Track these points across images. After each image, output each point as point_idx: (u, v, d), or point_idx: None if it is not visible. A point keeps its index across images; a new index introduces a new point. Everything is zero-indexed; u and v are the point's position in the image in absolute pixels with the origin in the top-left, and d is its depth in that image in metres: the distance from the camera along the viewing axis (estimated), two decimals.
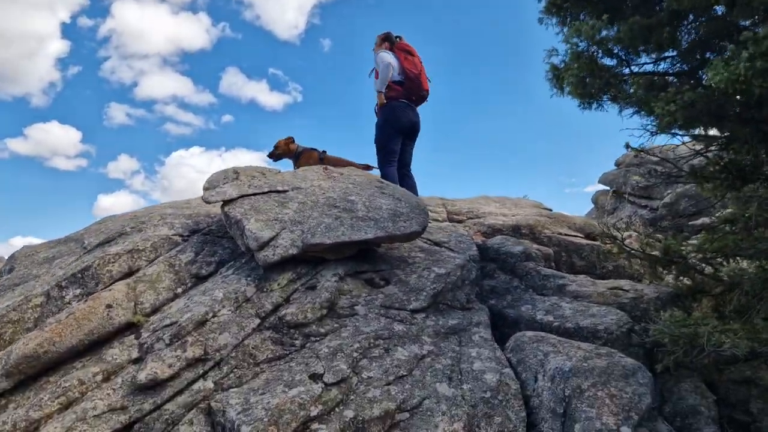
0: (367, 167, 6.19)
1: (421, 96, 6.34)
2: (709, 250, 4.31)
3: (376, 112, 6.26)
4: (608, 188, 12.27)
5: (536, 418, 3.03)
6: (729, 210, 4.08)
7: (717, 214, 6.54)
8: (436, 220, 7.10)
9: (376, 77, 6.05)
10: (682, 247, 4.53)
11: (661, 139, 4.45)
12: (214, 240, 4.02)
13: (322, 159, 5.95)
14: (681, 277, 4.72)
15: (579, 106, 4.03)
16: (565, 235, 6.49)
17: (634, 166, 11.37)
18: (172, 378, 2.75)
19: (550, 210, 7.65)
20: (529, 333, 3.70)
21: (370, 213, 3.88)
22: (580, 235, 6.61)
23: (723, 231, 4.10)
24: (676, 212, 8.73)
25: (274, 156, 5.86)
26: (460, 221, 7.31)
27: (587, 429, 2.73)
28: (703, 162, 4.17)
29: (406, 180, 6.28)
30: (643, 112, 3.94)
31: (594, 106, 4.05)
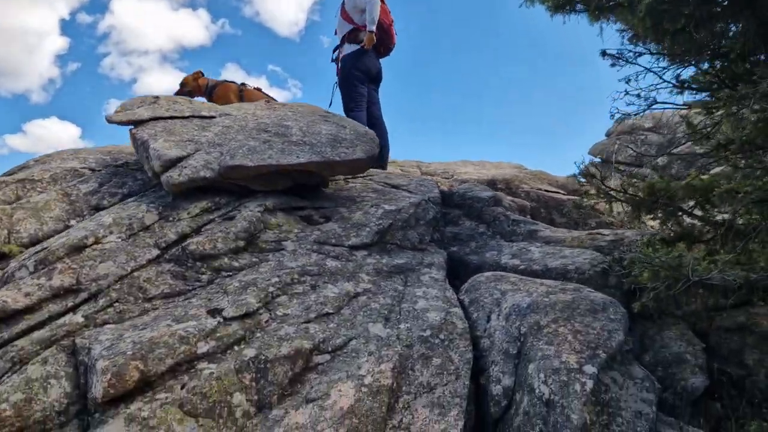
0: None
1: (389, 48, 5.85)
2: (699, 187, 3.81)
3: (335, 60, 5.73)
4: (598, 159, 11.78)
5: (486, 361, 2.52)
6: (722, 134, 3.57)
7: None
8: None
9: (344, 16, 5.51)
10: (670, 187, 4.02)
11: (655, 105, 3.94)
12: (127, 172, 3.48)
13: (242, 93, 5.24)
14: (668, 223, 4.23)
15: (549, 12, 3.50)
16: (545, 190, 5.98)
17: (625, 134, 10.87)
18: (28, 309, 2.22)
19: (528, 169, 7.14)
20: (488, 273, 3.19)
21: (306, 138, 3.35)
22: (562, 192, 6.10)
23: (717, 156, 3.59)
24: (669, 176, 8.26)
25: (183, 95, 5.16)
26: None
27: (543, 369, 2.23)
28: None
29: (376, 128, 5.75)
30: (615, 20, 3.42)
31: (567, 14, 3.52)
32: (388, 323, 2.65)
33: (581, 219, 5.67)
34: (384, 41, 5.64)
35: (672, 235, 4.09)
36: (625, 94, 3.50)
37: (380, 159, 5.64)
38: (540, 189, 5.95)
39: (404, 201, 3.73)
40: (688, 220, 4.30)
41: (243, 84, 5.29)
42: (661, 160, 8.53)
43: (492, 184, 5.90)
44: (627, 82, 3.47)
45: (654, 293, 2.78)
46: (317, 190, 3.90)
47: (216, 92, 5.06)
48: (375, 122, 5.63)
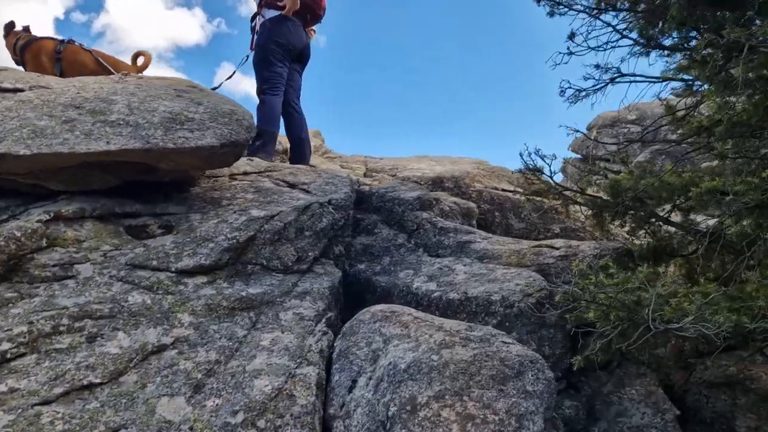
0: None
1: (316, 16, 4.90)
2: (677, 186, 2.94)
3: (253, 30, 4.79)
4: (579, 155, 10.94)
5: None
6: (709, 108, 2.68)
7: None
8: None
9: None
10: (640, 185, 3.15)
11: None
12: None
13: (60, 54, 3.89)
14: (638, 231, 3.35)
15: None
16: (502, 190, 5.09)
17: (606, 128, 10.02)
18: None
19: (490, 165, 6.24)
20: (379, 307, 2.28)
21: (131, 116, 2.43)
22: (522, 191, 5.21)
23: (697, 144, 2.72)
24: (626, 160, 7.40)
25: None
26: (377, 177, 5.87)
27: None
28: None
29: (293, 118, 4.82)
30: None
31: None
32: (195, 397, 1.73)
33: (542, 224, 4.79)
34: (309, 7, 4.72)
35: (643, 248, 3.22)
36: (568, 55, 2.59)
37: (299, 157, 4.72)
38: (496, 189, 5.05)
39: (286, 205, 2.82)
40: (667, 228, 3.43)
41: (65, 41, 3.98)
42: (643, 156, 7.68)
43: (438, 182, 4.99)
44: (571, 38, 2.57)
45: (602, 342, 1.88)
46: (182, 191, 2.98)
47: (27, 53, 3.79)
48: (290, 111, 4.71)
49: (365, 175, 6.07)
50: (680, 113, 3.48)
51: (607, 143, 8.55)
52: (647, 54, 2.57)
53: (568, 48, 2.60)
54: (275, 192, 3.12)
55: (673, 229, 3.25)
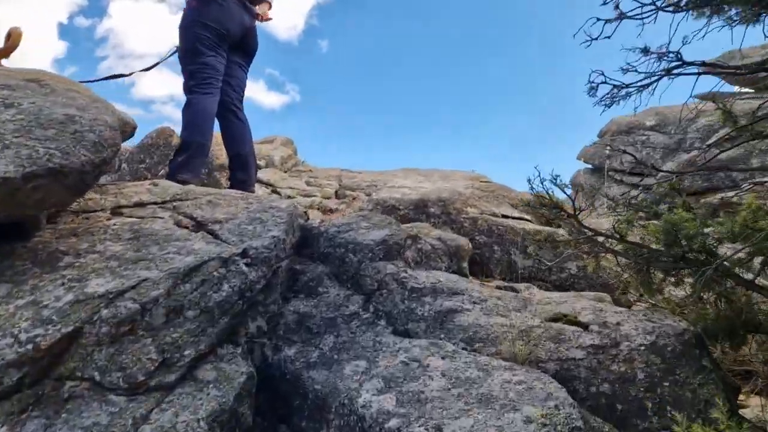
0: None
1: None
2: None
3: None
4: (590, 166, 9.88)
5: None
6: None
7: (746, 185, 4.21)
8: (310, 195, 4.65)
9: None
10: (705, 229, 2.13)
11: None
12: None
13: None
14: (704, 294, 2.32)
15: None
16: (503, 216, 4.06)
17: (622, 134, 8.92)
18: None
19: (490, 182, 5.19)
20: None
21: None
22: (528, 218, 4.19)
23: None
24: (679, 189, 6.37)
25: None
26: (349, 198, 4.85)
27: None
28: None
29: (232, 126, 3.80)
30: None
31: None
32: None
33: (556, 263, 3.76)
34: None
35: (715, 320, 2.19)
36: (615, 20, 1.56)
37: (239, 177, 3.69)
38: (495, 215, 4.02)
39: (163, 265, 1.80)
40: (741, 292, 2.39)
41: None
42: (668, 168, 6.64)
43: (421, 206, 3.96)
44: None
45: None
46: (23, 236, 1.97)
47: None
48: (228, 117, 3.70)
49: (336, 195, 5.04)
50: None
51: (628, 152, 7.49)
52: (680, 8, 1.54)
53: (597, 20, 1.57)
54: (162, 239, 2.10)
55: (757, 293, 2.22)
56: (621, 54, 2.23)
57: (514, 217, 4.17)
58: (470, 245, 3.47)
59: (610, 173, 8.93)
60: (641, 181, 8.23)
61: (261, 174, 4.92)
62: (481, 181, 5.65)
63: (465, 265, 3.20)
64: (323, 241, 2.57)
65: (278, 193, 4.44)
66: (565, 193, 2.46)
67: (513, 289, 3.20)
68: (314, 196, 4.58)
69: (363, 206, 4.06)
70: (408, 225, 3.35)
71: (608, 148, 8.52)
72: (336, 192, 5.08)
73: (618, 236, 2.15)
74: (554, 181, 2.21)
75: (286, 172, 6.08)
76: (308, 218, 2.98)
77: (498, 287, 3.31)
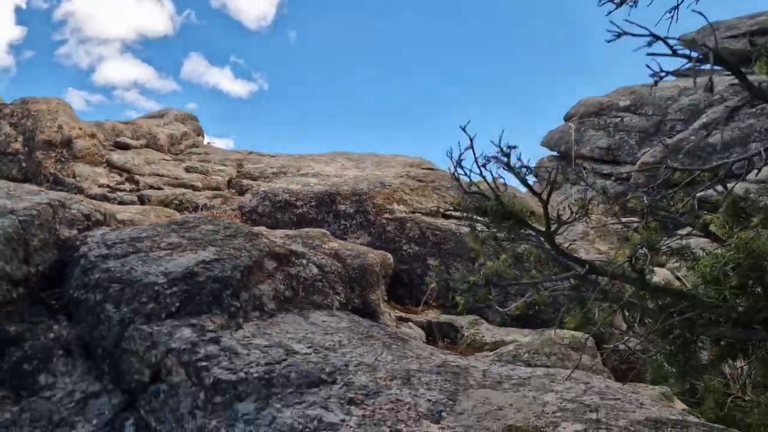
0: None
1: None
2: None
3: None
4: (555, 152, 8.95)
5: None
6: None
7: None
8: (181, 186, 3.45)
9: None
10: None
11: None
12: None
13: None
14: None
15: None
16: (444, 215, 2.99)
17: (592, 117, 7.95)
18: None
19: (433, 168, 4.07)
20: None
21: None
22: (479, 218, 3.14)
23: None
24: (665, 180, 5.47)
25: None
26: (243, 188, 3.67)
27: None
28: None
29: None
30: None
31: None
32: None
33: (518, 290, 2.71)
34: None
35: None
36: None
37: None
38: (430, 213, 2.93)
39: None
40: None
41: None
42: (651, 156, 5.71)
43: (327, 201, 2.84)
44: None
45: None
46: None
47: None
48: None
49: (230, 185, 3.86)
50: None
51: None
52: None
53: None
54: None
55: None
56: None
57: (458, 217, 3.11)
58: (391, 260, 2.39)
59: (577, 161, 7.98)
60: (612, 168, 7.30)
61: (119, 155, 3.68)
62: (422, 168, 4.54)
63: (375, 296, 2.12)
64: (78, 274, 1.39)
65: (107, 186, 3.21)
66: (527, 184, 1.39)
67: (451, 329, 2.16)
68: (186, 187, 3.38)
69: (244, 202, 2.89)
70: (291, 233, 2.22)
71: (574, 131, 7.56)
72: (230, 181, 3.89)
73: (635, 273, 1.08)
74: (507, 161, 1.13)
75: (177, 154, 4.83)
76: (86, 226, 1.79)
77: (428, 323, 2.25)
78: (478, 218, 1.38)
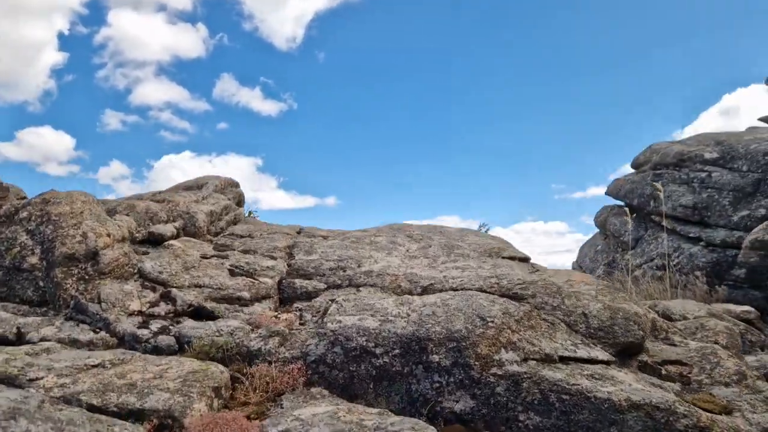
0: None
1: None
2: None
3: None
4: (621, 203, 8.08)
5: None
6: None
7: None
8: (226, 300, 2.87)
9: None
10: None
11: None
12: None
13: None
14: None
15: None
16: (562, 360, 2.30)
17: (670, 168, 7.00)
18: None
19: (522, 260, 3.35)
20: None
21: None
22: (608, 360, 2.41)
23: None
24: None
25: None
26: (298, 294, 3.06)
27: None
28: None
29: None
30: None
31: None
32: None
33: None
34: None
35: None
36: None
37: None
38: (547, 359, 2.25)
39: None
40: None
41: None
42: (761, 233, 4.86)
43: (415, 349, 2.20)
44: None
45: None
46: None
47: None
48: None
49: (280, 289, 3.26)
50: None
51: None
52: None
53: None
54: None
55: None
56: None
57: (582, 360, 2.43)
58: None
59: (653, 217, 7.05)
60: (700, 231, 6.33)
61: (153, 263, 3.11)
62: (506, 257, 3.81)
63: None
64: None
65: (169, 301, 2.60)
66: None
67: None
68: (231, 302, 2.79)
69: (309, 348, 2.27)
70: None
71: (651, 184, 6.72)
72: (280, 282, 3.30)
73: None
74: None
75: (217, 234, 4.29)
76: None
77: None
78: None
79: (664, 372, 2.74)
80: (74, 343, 2.42)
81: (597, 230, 9.27)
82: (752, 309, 4.55)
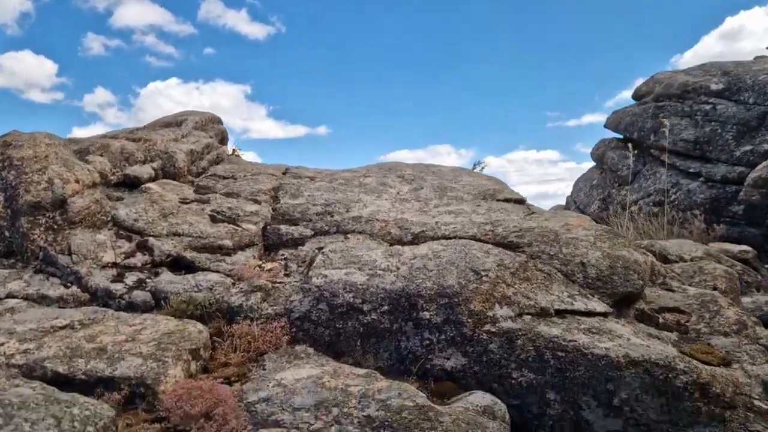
0: None
1: None
2: None
3: None
4: (620, 135, 7.85)
5: None
6: None
7: None
8: (207, 249, 2.73)
9: None
10: None
11: None
12: None
13: None
14: None
15: None
16: (558, 313, 2.20)
17: (673, 100, 6.76)
18: None
19: (519, 201, 3.20)
20: None
21: None
22: (608, 312, 2.33)
23: None
24: None
25: None
26: (283, 241, 2.92)
27: None
28: None
29: None
30: None
31: None
32: None
33: None
34: None
35: None
36: None
37: None
38: (543, 313, 2.16)
39: None
40: None
41: None
42: (764, 170, 4.68)
43: (405, 306, 2.08)
44: None
45: None
46: None
47: None
48: None
49: (264, 235, 3.11)
50: None
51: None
52: None
53: None
54: None
55: None
56: None
57: (579, 313, 2.33)
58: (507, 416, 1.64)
59: (653, 151, 6.83)
60: (700, 166, 6.14)
61: (127, 210, 2.93)
62: (502, 200, 3.66)
63: None
64: None
65: (147, 251, 2.45)
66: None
67: None
68: (212, 251, 2.66)
69: (294, 304, 2.15)
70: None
71: (654, 117, 6.43)
72: (265, 228, 3.15)
73: None
74: None
75: (197, 176, 4.08)
76: None
77: None
78: None
79: (661, 320, 2.67)
80: (43, 299, 2.29)
81: (591, 160, 9.09)
82: (750, 249, 4.48)
